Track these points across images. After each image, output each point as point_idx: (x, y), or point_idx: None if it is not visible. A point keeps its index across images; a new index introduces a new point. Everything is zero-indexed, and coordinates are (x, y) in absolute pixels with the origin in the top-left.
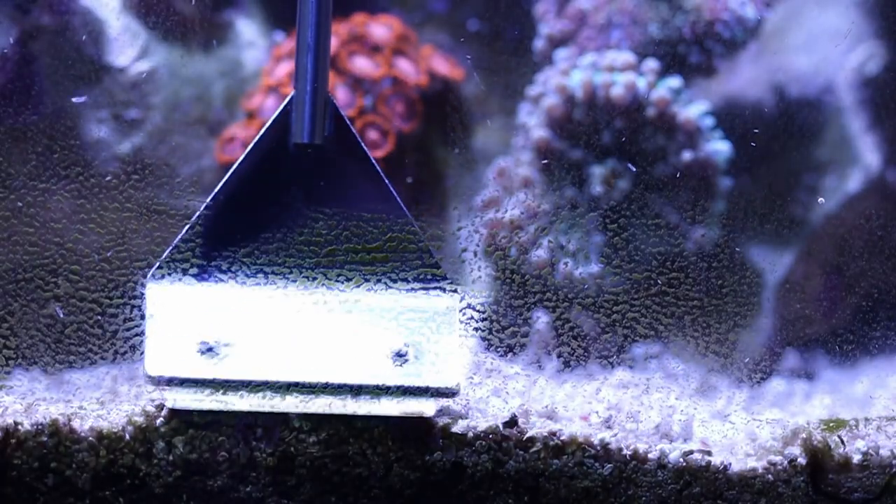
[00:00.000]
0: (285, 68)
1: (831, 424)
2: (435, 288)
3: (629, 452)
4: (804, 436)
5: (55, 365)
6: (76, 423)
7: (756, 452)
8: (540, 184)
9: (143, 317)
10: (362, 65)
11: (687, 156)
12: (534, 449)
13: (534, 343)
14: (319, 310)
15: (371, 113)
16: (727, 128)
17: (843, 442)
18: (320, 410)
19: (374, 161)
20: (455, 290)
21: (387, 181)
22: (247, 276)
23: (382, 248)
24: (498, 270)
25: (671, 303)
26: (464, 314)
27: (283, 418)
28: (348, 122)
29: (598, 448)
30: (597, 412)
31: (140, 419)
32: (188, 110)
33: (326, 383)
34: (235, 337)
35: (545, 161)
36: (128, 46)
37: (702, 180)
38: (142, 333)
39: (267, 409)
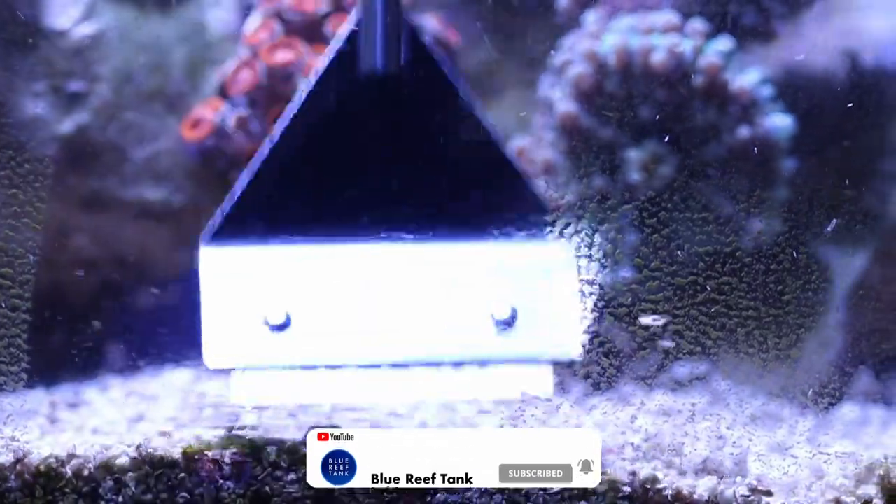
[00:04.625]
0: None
1: None
2: (544, 236)
3: (671, 492)
4: (881, 472)
5: None
6: (6, 458)
7: (823, 492)
8: (564, 170)
9: (92, 331)
10: None
11: (742, 132)
12: (554, 489)
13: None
14: (406, 269)
15: None
16: (789, 103)
17: None
18: (415, 395)
19: (463, 89)
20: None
21: (480, 112)
22: (317, 233)
23: (478, 190)
24: None
25: (721, 313)
26: None
27: (255, 451)
28: (429, 44)
29: (635, 487)
30: (632, 444)
31: (84, 453)
32: (142, 82)
33: (419, 358)
34: (309, 307)
35: (571, 142)
36: (70, 5)
37: (759, 164)
38: (88, 349)
39: (352, 394)
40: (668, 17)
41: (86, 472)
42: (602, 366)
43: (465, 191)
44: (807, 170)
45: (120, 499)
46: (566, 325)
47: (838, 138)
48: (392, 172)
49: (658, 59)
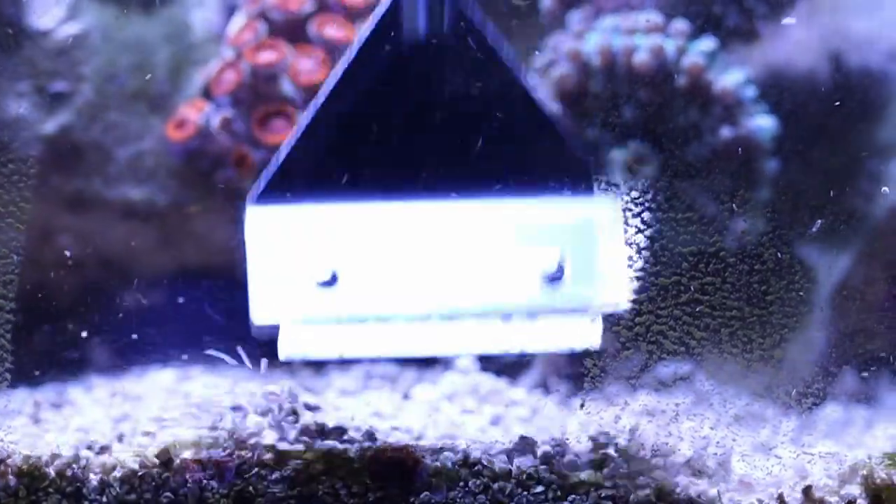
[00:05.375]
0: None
1: None
2: (588, 194)
3: (653, 493)
4: (865, 472)
5: None
6: None
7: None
8: None
9: (75, 331)
10: (333, 32)
11: (725, 133)
12: (538, 489)
13: (540, 361)
14: (453, 227)
15: None
16: (773, 103)
17: None
18: (463, 348)
19: (508, 56)
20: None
21: (524, 79)
22: (365, 191)
23: (524, 153)
24: None
25: (705, 313)
26: None
27: (239, 451)
28: (471, 10)
29: (617, 487)
30: (616, 444)
31: (69, 452)
32: (125, 82)
33: (466, 310)
34: (359, 263)
35: None
36: (53, 5)
37: (743, 164)
38: (71, 349)
39: (400, 345)
40: (652, 17)
41: (69, 472)
42: (586, 366)
43: (509, 150)
44: (790, 170)
45: (104, 499)
46: (613, 276)
47: (822, 139)
48: (437, 133)
49: (641, 59)
